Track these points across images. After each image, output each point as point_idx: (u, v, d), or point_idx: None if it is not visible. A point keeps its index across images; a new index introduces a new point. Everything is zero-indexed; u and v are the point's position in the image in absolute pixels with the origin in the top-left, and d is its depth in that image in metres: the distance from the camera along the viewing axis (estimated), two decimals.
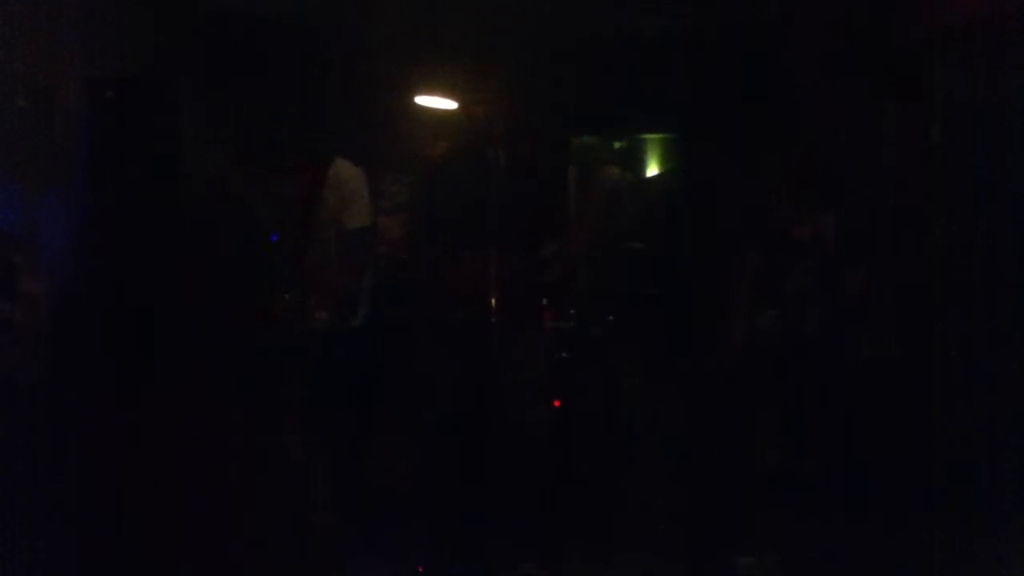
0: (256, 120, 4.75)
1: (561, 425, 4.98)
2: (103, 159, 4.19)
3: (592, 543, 4.41)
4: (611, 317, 5.67)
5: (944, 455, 3.92)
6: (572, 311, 5.31)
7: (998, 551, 3.54)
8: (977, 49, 3.99)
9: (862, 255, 4.44)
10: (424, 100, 5.50)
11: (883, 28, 4.73)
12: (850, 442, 4.30)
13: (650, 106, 5.95)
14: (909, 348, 4.38)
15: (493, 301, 4.87)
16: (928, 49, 4.27)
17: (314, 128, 4.84)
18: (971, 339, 3.86)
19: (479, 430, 4.57)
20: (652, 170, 6.81)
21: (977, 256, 3.89)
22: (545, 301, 5.15)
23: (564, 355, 5.15)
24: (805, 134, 4.94)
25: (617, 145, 6.71)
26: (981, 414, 3.76)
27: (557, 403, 5.09)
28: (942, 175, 4.17)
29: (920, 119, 4.44)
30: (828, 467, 4.33)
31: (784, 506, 4.34)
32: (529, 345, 5.00)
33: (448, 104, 5.50)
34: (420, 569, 4.33)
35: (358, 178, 4.38)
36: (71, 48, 4.20)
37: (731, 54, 5.39)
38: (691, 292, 5.09)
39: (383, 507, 4.56)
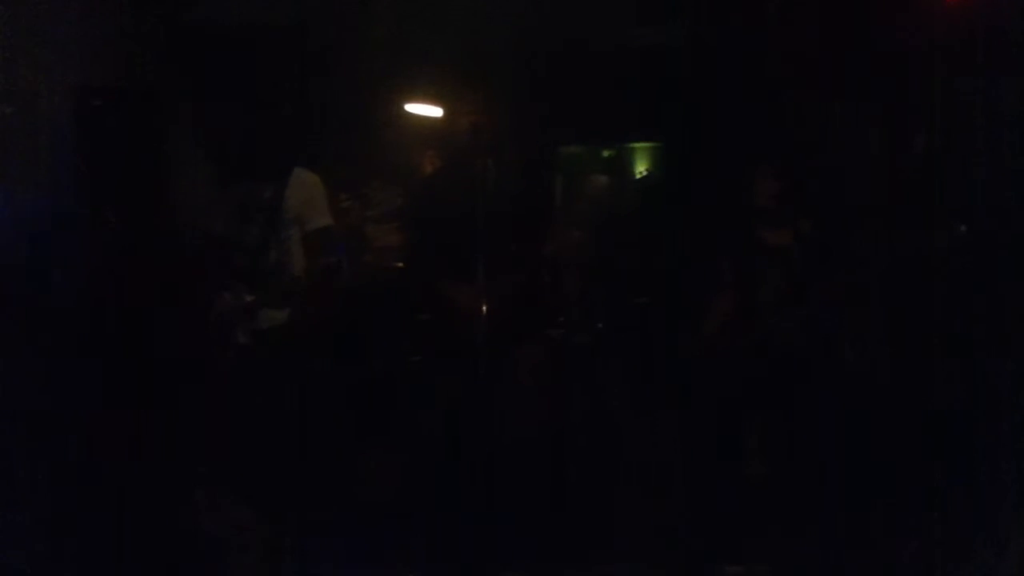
0: (241, 129, 4.73)
1: (551, 434, 4.97)
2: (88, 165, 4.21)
3: (584, 552, 4.41)
4: (600, 325, 5.66)
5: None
6: (561, 319, 5.31)
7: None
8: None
9: (844, 259, 4.47)
10: (412, 108, 5.51)
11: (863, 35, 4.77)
12: (838, 448, 4.32)
13: (635, 115, 5.97)
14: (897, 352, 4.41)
15: (483, 310, 4.87)
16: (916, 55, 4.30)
17: (301, 136, 4.84)
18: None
19: (466, 440, 4.56)
20: (638, 178, 6.83)
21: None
22: (534, 309, 5.15)
23: (551, 363, 5.14)
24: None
25: (605, 154, 6.74)
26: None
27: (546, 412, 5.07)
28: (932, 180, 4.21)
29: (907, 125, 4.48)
30: (818, 474, 4.34)
31: (774, 513, 4.34)
32: (517, 354, 4.99)
33: (436, 113, 5.51)
34: None
35: (316, 183, 4.47)
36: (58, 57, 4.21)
37: (712, 64, 5.43)
38: (678, 300, 5.10)
39: (370, 520, 4.55)
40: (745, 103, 5.24)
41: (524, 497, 4.50)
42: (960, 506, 3.85)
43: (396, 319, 4.88)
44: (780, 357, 4.40)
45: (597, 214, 6.12)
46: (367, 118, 5.40)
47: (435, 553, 4.33)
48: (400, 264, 5.19)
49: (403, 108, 5.49)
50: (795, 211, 4.54)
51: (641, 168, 6.88)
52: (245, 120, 4.50)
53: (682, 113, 5.60)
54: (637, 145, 6.89)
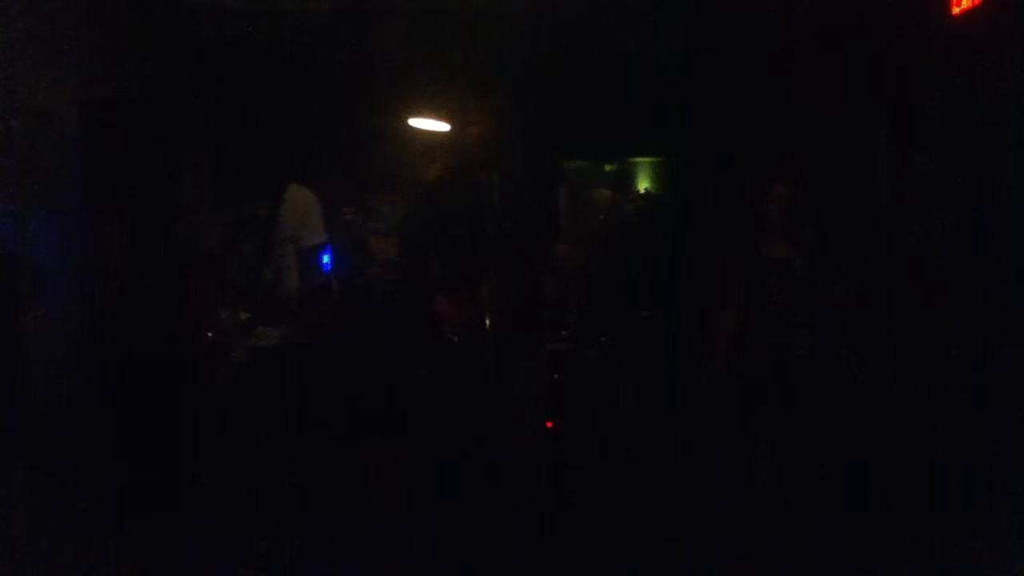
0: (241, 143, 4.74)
1: (555, 446, 4.98)
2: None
3: (586, 561, 4.42)
4: (604, 339, 5.67)
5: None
6: (564, 333, 5.32)
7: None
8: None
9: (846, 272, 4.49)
10: (417, 122, 5.53)
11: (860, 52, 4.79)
12: (839, 459, 4.32)
13: (641, 129, 5.98)
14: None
15: (487, 322, 4.87)
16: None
17: (307, 149, 4.85)
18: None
19: (474, 450, 4.57)
20: (642, 192, 6.86)
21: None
22: (539, 322, 5.16)
23: (556, 376, 5.15)
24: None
25: (608, 168, 6.76)
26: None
27: (550, 424, 5.09)
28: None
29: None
30: (820, 485, 4.34)
31: (776, 525, 4.35)
32: (523, 366, 5.00)
33: (441, 127, 5.53)
34: None
35: (312, 199, 4.41)
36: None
37: (717, 76, 5.45)
38: (683, 313, 5.12)
39: (376, 526, 4.57)
40: (752, 117, 5.28)
41: (530, 504, 4.52)
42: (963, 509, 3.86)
43: (400, 332, 4.89)
44: (786, 369, 4.40)
45: (601, 227, 6.13)
46: (372, 132, 5.42)
47: (442, 557, 4.34)
48: (404, 277, 5.19)
49: (408, 122, 5.52)
50: (801, 224, 4.56)
51: (645, 182, 6.91)
52: (245, 135, 4.49)
53: (687, 127, 5.63)
54: (641, 159, 6.92)
